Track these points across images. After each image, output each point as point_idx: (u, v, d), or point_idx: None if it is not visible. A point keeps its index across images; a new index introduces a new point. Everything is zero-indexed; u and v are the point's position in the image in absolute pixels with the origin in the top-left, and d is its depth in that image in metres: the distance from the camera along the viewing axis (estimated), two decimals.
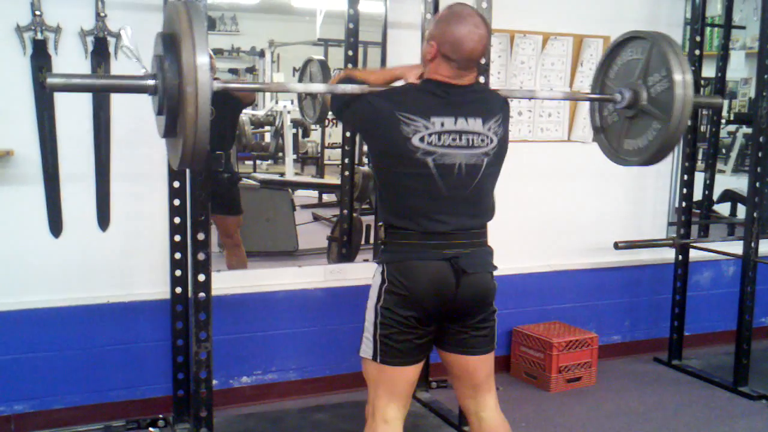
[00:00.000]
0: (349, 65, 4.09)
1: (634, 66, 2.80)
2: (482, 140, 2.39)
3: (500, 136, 2.44)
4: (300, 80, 4.28)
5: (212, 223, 4.02)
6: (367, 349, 2.46)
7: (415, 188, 2.36)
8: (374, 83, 2.45)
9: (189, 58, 1.97)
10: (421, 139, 2.30)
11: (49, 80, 2.09)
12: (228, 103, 4.32)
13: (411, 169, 2.33)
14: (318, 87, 2.58)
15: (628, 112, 2.81)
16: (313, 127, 6.09)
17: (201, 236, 3.07)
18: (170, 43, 2.07)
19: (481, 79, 3.33)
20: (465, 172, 2.36)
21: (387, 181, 2.42)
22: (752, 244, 4.13)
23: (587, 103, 4.36)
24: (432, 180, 2.33)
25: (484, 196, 2.45)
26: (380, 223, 2.53)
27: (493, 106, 2.46)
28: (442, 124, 2.33)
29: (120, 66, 3.35)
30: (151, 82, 2.15)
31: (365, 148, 4.99)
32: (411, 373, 2.47)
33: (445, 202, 2.37)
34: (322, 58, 4.42)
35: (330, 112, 2.66)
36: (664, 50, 2.64)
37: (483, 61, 3.16)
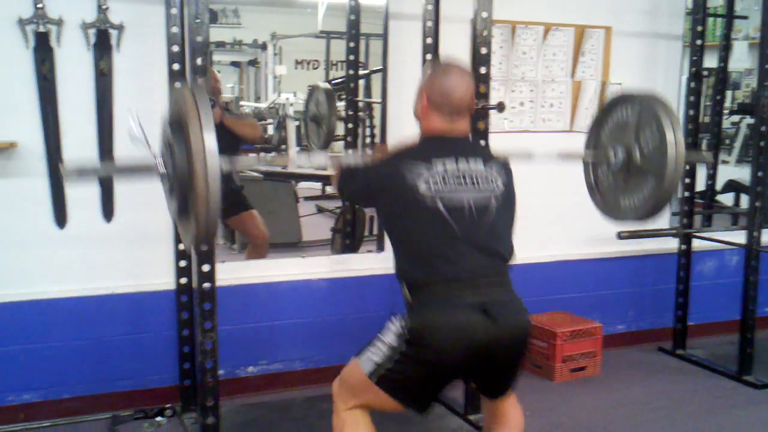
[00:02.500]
0: (351, 56, 4.10)
1: (626, 125, 2.82)
2: (487, 181, 2.42)
3: (505, 182, 2.48)
4: (306, 107, 4.32)
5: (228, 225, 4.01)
6: (368, 364, 2.37)
7: (429, 234, 2.34)
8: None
9: (197, 142, 1.99)
10: (427, 184, 2.33)
11: (66, 170, 2.14)
12: (231, 136, 4.32)
13: (422, 215, 2.33)
14: (321, 159, 2.65)
15: (622, 170, 2.82)
16: None
17: None
18: (178, 128, 2.10)
19: (482, 70, 3.36)
20: (475, 211, 2.37)
21: (401, 234, 2.42)
22: (755, 234, 4.14)
23: (589, 94, 4.41)
24: (445, 223, 2.33)
25: (499, 236, 2.43)
26: (402, 282, 2.44)
27: (491, 155, 2.55)
28: (444, 164, 2.37)
29: (122, 59, 3.37)
30: (161, 166, 2.17)
31: (368, 140, 5.00)
32: (404, 408, 2.40)
33: (460, 243, 2.34)
34: (328, 86, 4.48)
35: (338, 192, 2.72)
36: (654, 109, 2.66)
37: (483, 90, 3.32)
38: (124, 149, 3.43)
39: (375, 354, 2.35)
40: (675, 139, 2.59)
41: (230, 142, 4.23)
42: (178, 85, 2.15)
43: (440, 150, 2.41)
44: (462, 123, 2.49)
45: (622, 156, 2.77)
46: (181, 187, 2.08)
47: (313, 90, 4.11)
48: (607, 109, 2.91)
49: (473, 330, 2.26)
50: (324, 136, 4.12)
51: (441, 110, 2.45)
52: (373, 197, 2.46)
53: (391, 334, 2.33)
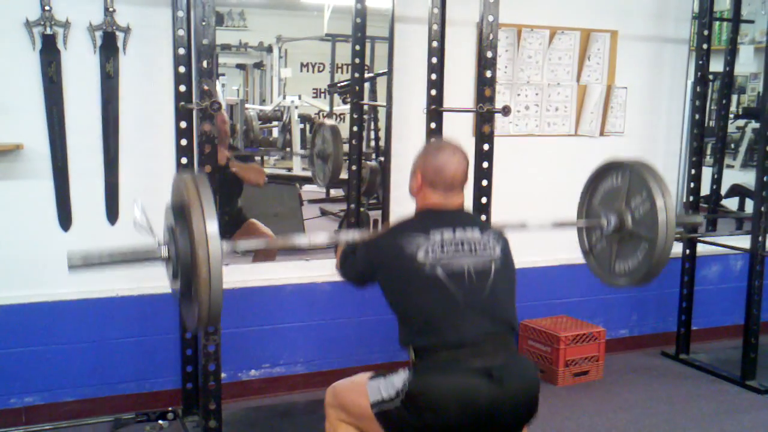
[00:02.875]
0: (356, 59, 4.10)
1: (616, 192, 2.87)
2: (484, 247, 2.44)
3: (502, 248, 2.49)
4: (312, 142, 4.33)
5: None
6: (375, 394, 2.37)
7: (431, 302, 2.35)
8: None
9: (199, 228, 2.03)
10: (426, 253, 2.36)
11: (69, 262, 2.22)
12: (235, 179, 4.35)
13: (422, 283, 2.35)
14: (322, 237, 2.72)
15: (615, 236, 2.87)
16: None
17: None
18: (180, 214, 2.15)
19: (488, 74, 3.35)
20: (475, 276, 2.38)
21: (403, 304, 2.42)
22: (760, 239, 4.13)
23: (594, 98, 4.40)
24: (445, 289, 2.34)
25: (501, 302, 2.43)
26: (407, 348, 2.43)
27: (487, 226, 2.57)
28: (442, 234, 2.40)
29: (129, 61, 3.37)
30: (165, 251, 2.23)
31: (372, 143, 5.00)
32: None
33: (463, 309, 2.35)
34: (334, 123, 4.52)
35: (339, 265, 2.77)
36: (643, 176, 2.71)
37: (488, 93, 3.34)
38: (130, 151, 3.45)
39: (385, 389, 2.34)
40: (665, 205, 2.65)
41: (234, 185, 4.27)
42: (182, 174, 2.25)
43: (437, 221, 2.45)
44: (457, 197, 2.54)
45: (614, 223, 2.82)
46: (184, 272, 2.13)
47: (318, 127, 4.15)
48: (596, 177, 2.97)
49: (475, 395, 2.25)
50: (330, 173, 4.16)
51: (435, 186, 2.50)
52: (373, 271, 2.48)
53: (400, 379, 2.32)
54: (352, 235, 2.50)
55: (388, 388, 2.33)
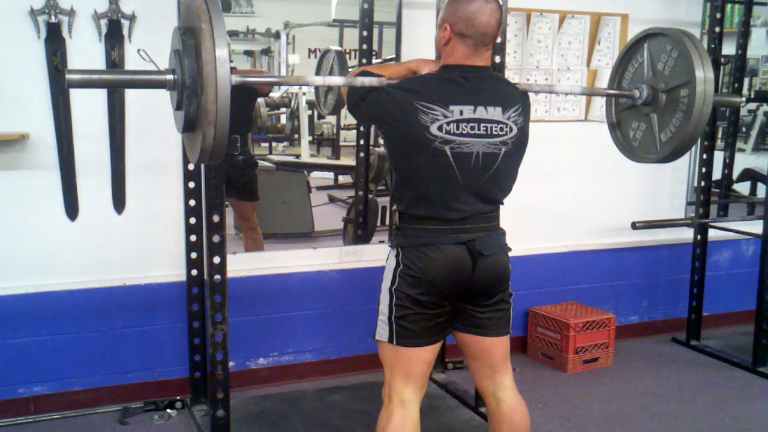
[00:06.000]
0: (364, 45, 4.07)
1: (651, 62, 2.77)
2: (501, 129, 2.37)
3: (520, 125, 2.43)
4: (318, 70, 4.28)
5: (228, 205, 4.02)
6: (382, 332, 2.48)
7: (432, 177, 2.35)
8: (390, 77, 2.44)
9: (208, 52, 1.95)
10: (440, 128, 2.29)
11: (68, 77, 2.07)
12: (243, 90, 4.30)
13: (428, 158, 2.32)
14: (336, 80, 2.56)
15: (646, 108, 2.78)
16: None
17: (216, 218, 3.07)
18: (189, 37, 2.05)
19: (497, 59, 3.32)
20: (482, 161, 2.36)
21: (403, 169, 2.42)
22: None
23: (605, 82, 4.34)
24: (449, 168, 2.33)
25: (499, 184, 2.44)
26: (394, 208, 2.52)
27: (512, 96, 2.45)
28: (461, 113, 2.32)
29: (134, 49, 3.35)
30: (170, 77, 2.13)
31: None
32: (427, 354, 2.48)
33: (461, 190, 2.37)
34: (340, 48, 4.44)
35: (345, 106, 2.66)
36: (685, 47, 2.61)
37: (499, 39, 3.15)
38: (136, 141, 3.43)
39: (381, 318, 2.49)
40: (704, 77, 2.55)
41: (244, 92, 4.23)
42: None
43: (461, 94, 2.34)
44: (485, 54, 2.40)
45: (646, 92, 2.73)
46: (189, 103, 2.04)
47: (325, 53, 4.07)
48: (632, 46, 2.87)
49: (458, 257, 2.38)
50: (335, 99, 4.11)
51: (464, 40, 2.35)
52: (384, 124, 2.42)
53: (384, 289, 2.48)
54: (368, 81, 2.39)
55: (383, 311, 2.47)
